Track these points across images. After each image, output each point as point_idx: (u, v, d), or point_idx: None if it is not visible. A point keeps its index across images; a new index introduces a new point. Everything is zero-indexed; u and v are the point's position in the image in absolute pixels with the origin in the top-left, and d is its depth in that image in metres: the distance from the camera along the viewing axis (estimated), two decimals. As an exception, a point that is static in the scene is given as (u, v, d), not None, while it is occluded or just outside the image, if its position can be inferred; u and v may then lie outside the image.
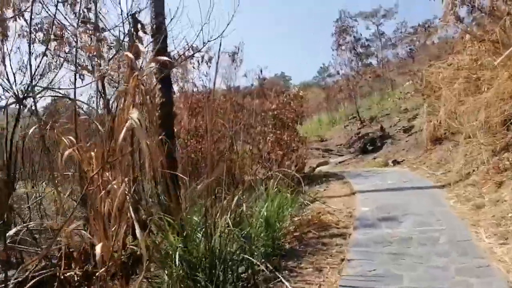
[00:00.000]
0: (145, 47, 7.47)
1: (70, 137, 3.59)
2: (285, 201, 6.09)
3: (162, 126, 9.26)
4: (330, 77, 29.18)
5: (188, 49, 7.74)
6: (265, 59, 64.03)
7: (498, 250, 4.16)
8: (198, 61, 12.66)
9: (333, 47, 23.84)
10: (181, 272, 3.71)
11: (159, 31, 8.86)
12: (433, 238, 4.78)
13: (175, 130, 12.96)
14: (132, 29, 6.80)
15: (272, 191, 5.82)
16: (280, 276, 4.09)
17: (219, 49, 4.86)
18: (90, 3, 6.18)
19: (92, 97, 7.00)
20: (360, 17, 31.11)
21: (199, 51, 7.07)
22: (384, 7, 32.19)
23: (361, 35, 24.70)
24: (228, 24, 7.08)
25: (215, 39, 7.00)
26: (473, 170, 6.83)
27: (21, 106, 4.89)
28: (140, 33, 6.82)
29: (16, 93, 4.66)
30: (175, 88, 13.45)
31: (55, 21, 5.53)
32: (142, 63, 8.46)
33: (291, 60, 69.60)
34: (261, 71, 11.96)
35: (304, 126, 27.20)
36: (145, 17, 7.00)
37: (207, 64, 12.93)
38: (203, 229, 4.27)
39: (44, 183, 8.05)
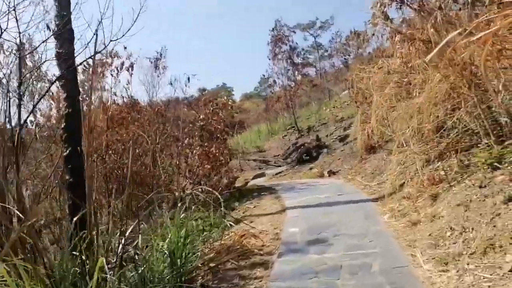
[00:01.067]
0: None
1: None
2: (197, 228, 5.18)
3: (68, 141, 8.03)
4: (270, 87, 28.83)
5: (96, 53, 6.61)
6: (204, 70, 63.13)
7: (437, 280, 3.51)
8: (117, 68, 11.54)
9: (269, 57, 23.42)
10: None
11: (64, 31, 7.71)
12: (365, 265, 4.08)
13: (93, 143, 11.70)
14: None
15: (179, 216, 4.86)
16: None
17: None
18: None
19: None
20: (298, 29, 31.37)
21: (99, 52, 5.97)
22: (320, 19, 32.80)
23: (297, 43, 24.50)
24: (134, 22, 6.16)
25: (118, 39, 6.08)
26: (407, 181, 6.31)
27: None
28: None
29: None
30: (95, 97, 12.16)
31: None
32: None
33: (233, 70, 69.36)
34: (188, 79, 10.99)
35: (243, 136, 26.61)
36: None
37: (128, 71, 11.87)
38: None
39: None
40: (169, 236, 4.34)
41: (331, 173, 11.71)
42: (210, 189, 6.54)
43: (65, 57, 7.78)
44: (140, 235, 4.20)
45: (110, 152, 11.21)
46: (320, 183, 10.11)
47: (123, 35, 6.19)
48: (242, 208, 8.68)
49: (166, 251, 4.24)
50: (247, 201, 9.38)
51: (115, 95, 11.80)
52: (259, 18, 65.91)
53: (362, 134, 11.42)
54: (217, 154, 9.83)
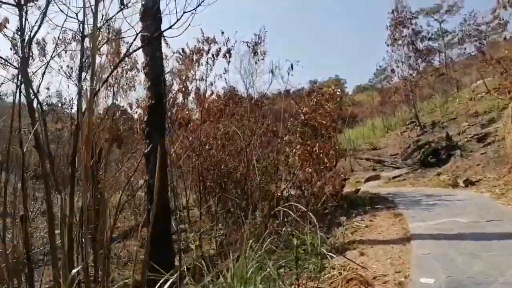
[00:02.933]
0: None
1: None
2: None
3: (150, 136, 7.04)
4: (386, 78, 25.83)
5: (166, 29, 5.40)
6: (314, 63, 60.97)
7: None
8: (213, 55, 10.45)
9: (387, 42, 20.64)
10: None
11: (151, 12, 6.72)
12: None
13: (191, 139, 10.88)
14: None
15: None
16: None
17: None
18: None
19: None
20: (420, 14, 27.60)
21: (170, 27, 4.70)
22: (447, 1, 28.44)
23: (421, 27, 21.25)
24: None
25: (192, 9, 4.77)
26: None
27: None
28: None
29: None
30: (192, 88, 11.34)
31: None
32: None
33: (346, 61, 66.09)
34: (291, 66, 9.37)
35: (355, 132, 24.23)
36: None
37: (224, 57, 10.71)
38: None
39: None
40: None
41: (469, 183, 9.14)
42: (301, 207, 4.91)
43: (151, 39, 6.84)
44: None
45: (207, 147, 10.28)
46: (456, 198, 7.73)
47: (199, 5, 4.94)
48: (350, 227, 6.86)
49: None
50: (357, 215, 7.51)
51: (212, 84, 10.74)
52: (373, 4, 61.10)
53: (515, 133, 8.69)
54: (321, 155, 8.10)
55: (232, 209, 9.64)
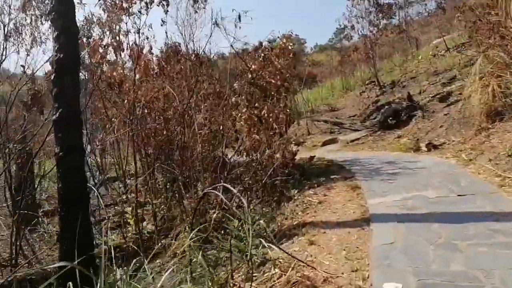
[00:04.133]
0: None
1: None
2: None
3: (59, 99, 5.62)
4: (346, 37, 24.51)
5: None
6: (272, 20, 58.79)
7: None
8: (147, 3, 8.86)
9: (347, -3, 19.40)
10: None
11: None
12: None
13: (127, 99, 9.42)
14: None
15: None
16: None
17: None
18: None
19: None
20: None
21: None
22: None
23: (383, -21, 20.02)
24: None
25: None
26: None
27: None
28: None
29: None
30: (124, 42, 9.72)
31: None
32: None
33: (305, 21, 64.43)
34: (239, 18, 8.00)
35: (313, 92, 23.26)
36: None
37: (163, 6, 9.14)
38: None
39: None
40: None
41: (432, 147, 8.36)
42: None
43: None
44: None
45: (146, 111, 8.93)
46: (420, 165, 6.89)
47: None
48: (301, 202, 5.89)
49: None
50: (311, 188, 6.53)
51: (147, 39, 9.20)
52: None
53: (482, 91, 7.90)
54: (270, 120, 6.98)
55: (172, 181, 8.50)
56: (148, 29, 8.60)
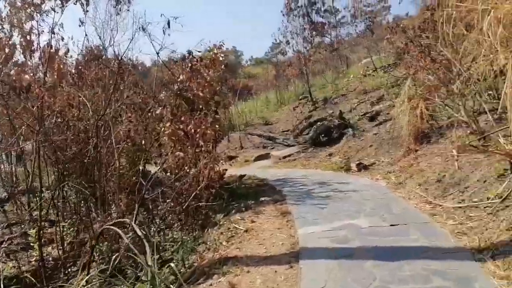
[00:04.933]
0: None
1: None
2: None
3: None
4: (281, 52, 24.69)
5: None
6: (213, 33, 58.38)
7: None
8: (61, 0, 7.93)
9: (283, 12, 19.46)
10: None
11: None
12: None
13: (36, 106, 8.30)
14: None
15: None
16: None
17: None
18: None
19: None
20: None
21: None
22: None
23: (316, -2, 20.45)
24: None
25: None
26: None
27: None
28: None
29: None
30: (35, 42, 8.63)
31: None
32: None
33: (244, 34, 64.82)
34: (168, 24, 7.31)
35: (248, 105, 22.97)
36: None
37: (82, 5, 8.24)
38: None
39: None
40: None
41: (362, 167, 8.27)
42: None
43: None
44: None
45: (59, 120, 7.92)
46: (350, 187, 6.68)
47: None
48: (227, 229, 5.35)
49: None
50: (238, 212, 6.04)
51: (62, 39, 8.22)
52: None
53: (410, 113, 7.95)
54: (196, 136, 6.39)
55: (84, 200, 7.57)
56: (59, 29, 7.58)
